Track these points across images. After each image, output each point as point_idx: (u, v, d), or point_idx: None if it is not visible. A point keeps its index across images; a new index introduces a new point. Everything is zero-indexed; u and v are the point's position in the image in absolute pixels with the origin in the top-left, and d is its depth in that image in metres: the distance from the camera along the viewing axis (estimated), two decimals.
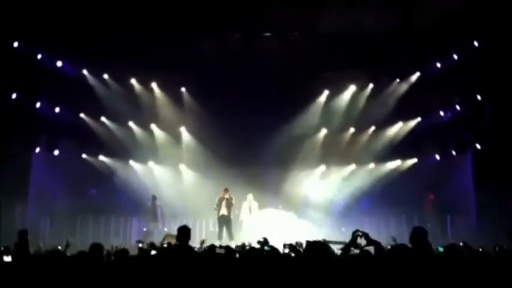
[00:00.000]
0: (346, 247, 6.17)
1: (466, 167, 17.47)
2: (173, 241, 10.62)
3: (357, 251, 6.25)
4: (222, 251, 8.10)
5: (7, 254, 7.47)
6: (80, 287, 5.68)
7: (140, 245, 9.77)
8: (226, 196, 17.13)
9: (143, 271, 6.43)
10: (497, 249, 9.22)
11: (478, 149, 16.83)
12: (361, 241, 6.15)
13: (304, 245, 8.30)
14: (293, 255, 8.10)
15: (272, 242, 10.35)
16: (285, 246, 8.89)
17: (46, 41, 16.48)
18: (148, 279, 6.21)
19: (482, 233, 15.33)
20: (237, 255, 7.75)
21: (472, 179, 17.06)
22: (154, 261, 7.36)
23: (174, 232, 8.11)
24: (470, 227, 16.50)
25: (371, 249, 6.05)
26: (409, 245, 5.84)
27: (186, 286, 6.07)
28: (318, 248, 5.30)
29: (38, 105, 17.14)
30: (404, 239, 6.58)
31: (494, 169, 15.41)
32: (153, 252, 8.62)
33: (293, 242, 9.15)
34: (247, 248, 9.01)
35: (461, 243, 9.75)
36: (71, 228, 17.49)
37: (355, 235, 6.16)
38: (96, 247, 6.79)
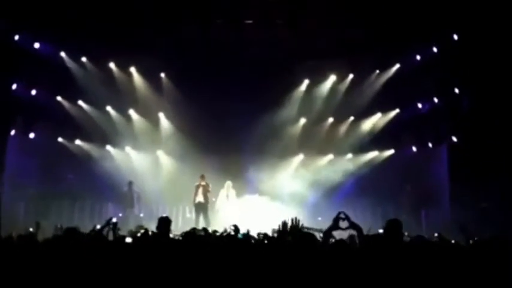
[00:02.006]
0: (329, 230, 6.21)
1: (442, 159, 17.64)
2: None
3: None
4: (202, 233, 8.11)
5: None
6: (54, 272, 5.62)
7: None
8: (203, 183, 17.20)
9: (119, 258, 6.36)
10: (470, 241, 9.33)
11: (454, 142, 16.99)
12: (343, 224, 6.22)
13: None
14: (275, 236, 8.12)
15: (249, 229, 10.42)
16: (258, 235, 8.94)
17: (24, 22, 16.16)
18: (124, 267, 6.15)
19: (456, 225, 15.49)
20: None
21: (448, 171, 17.23)
22: (131, 249, 7.28)
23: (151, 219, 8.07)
24: (444, 218, 16.67)
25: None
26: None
27: (166, 275, 6.03)
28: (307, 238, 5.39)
29: (14, 87, 16.83)
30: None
31: (470, 162, 15.58)
32: (128, 240, 8.52)
33: (270, 229, 9.20)
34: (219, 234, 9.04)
35: (435, 235, 9.87)
36: (46, 212, 17.30)
37: (337, 217, 6.22)
38: (71, 231, 6.73)
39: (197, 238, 7.46)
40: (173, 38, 17.85)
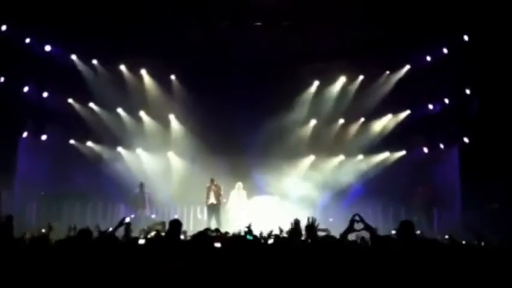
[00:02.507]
0: (345, 232, 6.22)
1: (453, 160, 17.56)
2: (159, 228, 10.65)
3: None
4: (214, 233, 8.14)
5: None
6: (66, 272, 5.66)
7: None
8: (213, 187, 17.28)
9: (130, 259, 6.40)
10: (482, 243, 9.29)
11: (465, 143, 16.91)
12: (358, 226, 6.24)
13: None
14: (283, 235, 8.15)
15: (260, 230, 10.43)
16: (269, 235, 8.96)
17: (35, 25, 16.29)
18: (135, 267, 6.18)
19: (467, 226, 15.43)
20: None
21: (459, 172, 17.15)
22: (142, 251, 7.33)
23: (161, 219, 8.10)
24: (455, 220, 16.60)
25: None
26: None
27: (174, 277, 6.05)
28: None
29: (25, 89, 16.96)
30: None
31: (481, 163, 15.50)
32: (141, 241, 8.57)
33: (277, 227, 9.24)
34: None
35: (446, 237, 9.85)
36: (57, 213, 17.43)
37: (353, 219, 6.24)
38: (85, 233, 6.78)
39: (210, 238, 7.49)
40: (182, 40, 17.89)
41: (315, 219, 6.25)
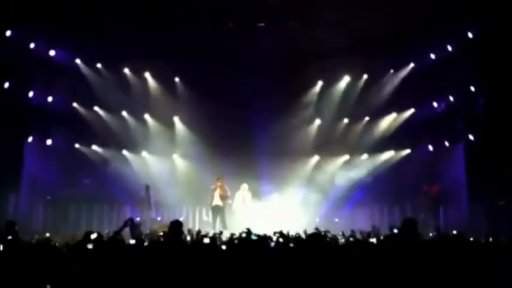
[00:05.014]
0: None
1: (459, 157, 17.50)
2: (165, 230, 10.69)
3: None
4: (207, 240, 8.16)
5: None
6: (73, 275, 5.69)
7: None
8: (219, 184, 17.24)
9: (136, 261, 6.43)
10: (490, 239, 9.29)
11: (471, 140, 16.85)
12: None
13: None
14: (281, 240, 8.18)
15: (265, 231, 10.45)
16: (274, 233, 9.02)
17: (39, 30, 16.36)
18: (140, 269, 6.21)
19: (473, 223, 15.42)
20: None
21: (465, 170, 17.09)
22: (145, 252, 7.36)
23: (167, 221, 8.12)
24: (462, 217, 16.56)
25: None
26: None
27: (176, 279, 6.08)
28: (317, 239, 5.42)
29: (30, 94, 17.03)
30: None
31: (487, 160, 15.44)
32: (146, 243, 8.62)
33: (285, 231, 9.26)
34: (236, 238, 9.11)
35: (454, 232, 9.86)
36: (64, 217, 17.52)
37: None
38: (89, 235, 6.82)
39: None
40: (186, 42, 17.89)
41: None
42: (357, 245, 5.59)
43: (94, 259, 5.97)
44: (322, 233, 6.46)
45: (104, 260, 6.01)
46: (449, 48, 17.16)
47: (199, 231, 9.34)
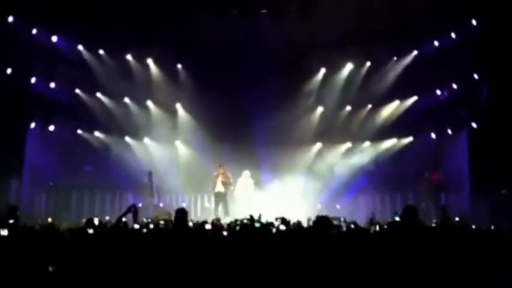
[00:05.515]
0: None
1: (462, 145, 17.47)
2: (166, 218, 10.72)
3: None
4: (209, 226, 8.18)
5: (3, 228, 7.50)
6: (75, 258, 5.72)
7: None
8: (221, 171, 17.29)
9: (137, 247, 6.44)
10: (492, 227, 9.29)
11: (474, 128, 16.81)
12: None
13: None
14: (283, 228, 8.19)
15: (267, 219, 10.47)
16: (276, 219, 9.03)
17: (41, 16, 16.31)
18: (141, 256, 6.21)
19: (475, 211, 15.42)
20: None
21: (467, 158, 17.07)
22: (147, 239, 7.37)
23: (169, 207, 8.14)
24: (464, 205, 16.57)
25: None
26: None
27: (179, 266, 6.09)
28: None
29: (33, 80, 17.01)
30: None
31: (490, 148, 15.42)
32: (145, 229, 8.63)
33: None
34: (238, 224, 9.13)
35: (456, 219, 9.87)
36: (66, 203, 17.57)
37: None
38: (91, 222, 6.84)
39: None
40: (189, 30, 17.83)
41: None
42: (360, 232, 5.59)
43: (97, 243, 5.99)
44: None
45: (107, 244, 6.03)
46: (453, 35, 17.07)
47: (204, 221, 9.36)
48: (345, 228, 9.17)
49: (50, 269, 5.53)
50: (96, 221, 7.70)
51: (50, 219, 10.80)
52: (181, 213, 7.33)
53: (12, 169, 16.11)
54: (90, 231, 6.83)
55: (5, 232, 6.68)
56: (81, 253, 5.70)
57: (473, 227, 8.90)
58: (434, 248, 5.09)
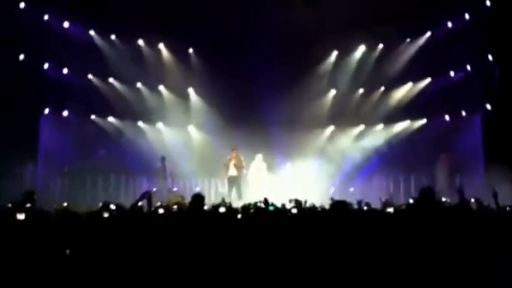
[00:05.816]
0: None
1: (476, 127, 17.37)
2: (180, 200, 10.77)
3: None
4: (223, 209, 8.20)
5: (20, 212, 7.59)
6: (93, 244, 5.77)
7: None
8: (234, 155, 17.34)
9: (152, 229, 6.47)
10: (508, 208, 9.26)
11: (488, 110, 16.69)
12: None
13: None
14: (295, 211, 8.22)
15: (281, 202, 10.50)
16: (290, 201, 9.07)
17: (53, 2, 16.35)
18: (156, 238, 6.24)
19: (490, 193, 15.33)
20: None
21: (482, 140, 16.98)
22: (164, 221, 7.40)
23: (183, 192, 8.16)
24: (478, 187, 16.49)
25: None
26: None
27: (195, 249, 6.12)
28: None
29: (45, 66, 17.09)
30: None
31: (504, 129, 15.32)
32: (161, 211, 8.66)
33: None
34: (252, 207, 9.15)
35: (472, 200, 9.82)
36: (81, 188, 17.71)
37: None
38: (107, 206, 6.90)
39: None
40: (200, 14, 17.76)
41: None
42: (375, 214, 5.59)
43: (114, 226, 6.04)
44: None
45: (123, 227, 6.08)
46: (467, 16, 16.90)
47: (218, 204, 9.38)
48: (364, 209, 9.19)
49: (67, 252, 5.58)
50: (112, 206, 7.76)
51: (65, 204, 10.87)
52: (198, 199, 7.22)
53: (27, 155, 16.24)
54: (106, 214, 6.88)
55: (22, 216, 6.77)
56: (99, 236, 5.75)
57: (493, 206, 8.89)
58: (456, 229, 5.07)
